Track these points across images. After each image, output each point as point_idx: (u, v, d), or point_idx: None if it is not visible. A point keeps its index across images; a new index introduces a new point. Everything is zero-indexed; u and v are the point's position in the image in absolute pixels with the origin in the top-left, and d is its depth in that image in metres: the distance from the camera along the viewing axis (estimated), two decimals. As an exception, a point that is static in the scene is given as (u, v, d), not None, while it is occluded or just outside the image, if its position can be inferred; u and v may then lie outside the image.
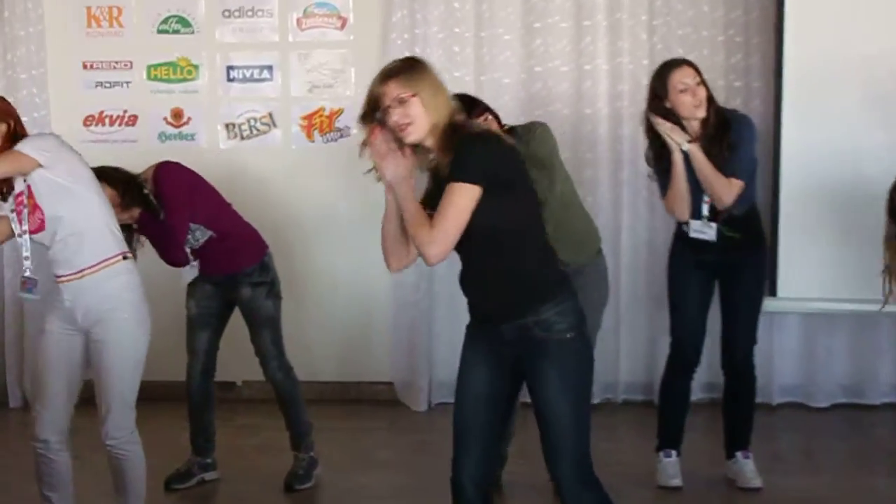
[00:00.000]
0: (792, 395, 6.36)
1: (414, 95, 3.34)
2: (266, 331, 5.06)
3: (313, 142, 6.40)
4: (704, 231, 4.88)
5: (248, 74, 6.26)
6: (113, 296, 4.07)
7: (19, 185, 4.02)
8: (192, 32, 6.40)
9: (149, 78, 6.41)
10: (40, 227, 4.04)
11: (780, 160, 5.74)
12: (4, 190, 4.08)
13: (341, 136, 6.38)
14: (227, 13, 6.39)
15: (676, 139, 4.74)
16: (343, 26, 6.38)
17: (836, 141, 5.68)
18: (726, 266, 4.96)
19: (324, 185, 6.33)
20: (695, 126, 4.81)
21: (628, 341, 6.28)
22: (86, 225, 4.06)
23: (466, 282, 3.52)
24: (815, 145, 5.63)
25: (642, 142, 5.92)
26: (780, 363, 6.29)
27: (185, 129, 6.33)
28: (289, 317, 5.15)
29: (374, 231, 6.14)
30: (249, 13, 6.38)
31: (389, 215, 3.47)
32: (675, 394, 5.09)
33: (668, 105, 4.77)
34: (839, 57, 5.67)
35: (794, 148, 5.59)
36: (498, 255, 3.41)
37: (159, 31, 6.39)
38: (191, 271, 4.98)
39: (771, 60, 5.93)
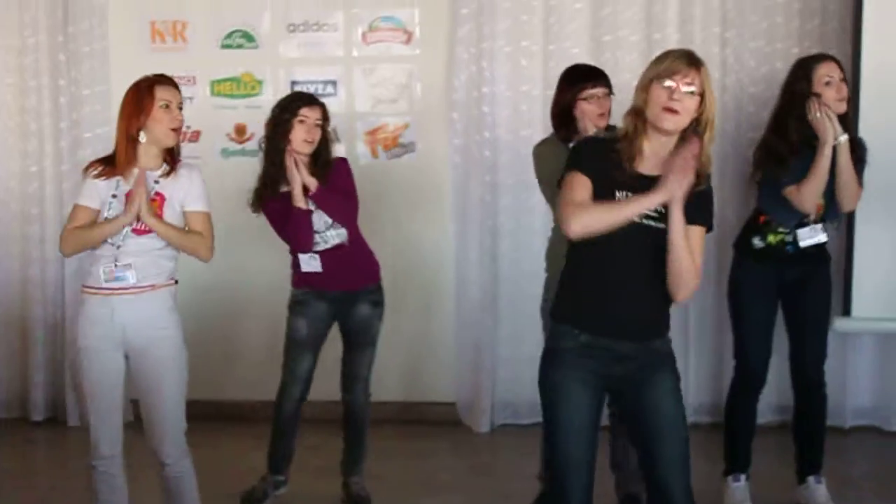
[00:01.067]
0: (866, 419, 6.23)
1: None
2: (369, 351, 5.03)
3: (377, 158, 6.34)
4: (815, 235, 4.84)
5: (311, 89, 6.19)
6: (164, 316, 4.06)
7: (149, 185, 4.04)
8: (256, 47, 6.38)
9: (212, 93, 6.40)
10: (148, 231, 4.04)
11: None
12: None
13: (406, 152, 6.32)
14: (291, 27, 6.36)
15: (837, 128, 4.66)
16: (409, 41, 6.33)
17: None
18: (795, 281, 4.86)
19: (388, 201, 6.26)
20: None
21: (694, 362, 6.16)
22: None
23: (611, 292, 3.48)
24: (893, 160, 5.47)
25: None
26: (853, 385, 6.16)
27: (248, 145, 6.27)
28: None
29: (436, 249, 6.23)
30: (315, 27, 6.36)
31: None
32: (741, 416, 4.99)
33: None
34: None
35: (871, 162, 5.43)
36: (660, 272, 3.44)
37: (223, 46, 6.38)
38: (311, 262, 4.85)
39: (848, 74, 5.78)
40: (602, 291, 3.48)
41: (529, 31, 6.13)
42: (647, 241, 3.44)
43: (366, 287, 4.95)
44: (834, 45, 5.91)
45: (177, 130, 4.10)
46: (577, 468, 3.51)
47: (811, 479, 5.02)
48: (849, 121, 4.90)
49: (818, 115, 4.66)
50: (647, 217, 3.40)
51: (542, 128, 5.97)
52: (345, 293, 4.91)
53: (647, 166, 3.46)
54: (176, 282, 4.15)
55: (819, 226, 4.84)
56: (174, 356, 4.09)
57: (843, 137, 4.67)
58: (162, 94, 4.05)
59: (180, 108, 4.11)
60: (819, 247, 4.88)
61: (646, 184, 3.39)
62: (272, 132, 4.78)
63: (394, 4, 6.33)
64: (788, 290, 4.92)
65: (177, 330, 4.11)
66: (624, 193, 3.42)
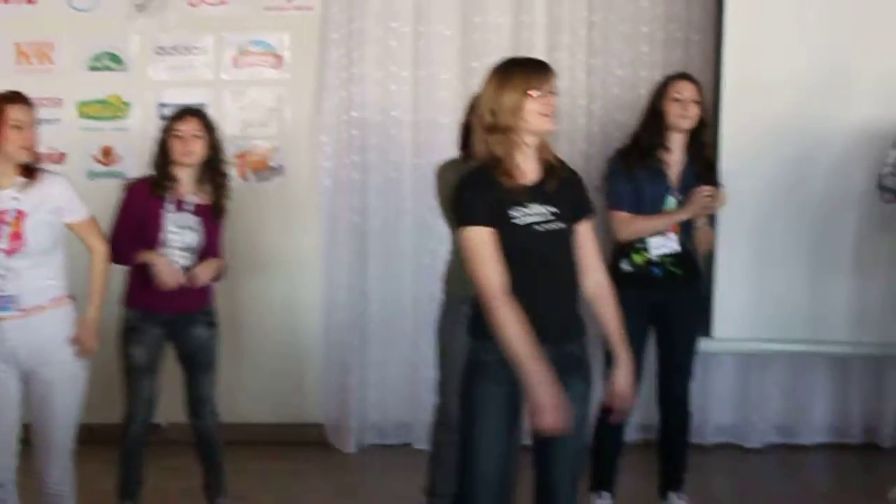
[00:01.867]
0: (726, 436, 6.36)
1: None
2: (211, 374, 4.94)
3: (246, 181, 6.30)
4: (666, 244, 4.94)
5: (179, 112, 6.16)
6: (56, 338, 4.00)
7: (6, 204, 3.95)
8: (125, 69, 6.28)
9: (79, 115, 6.28)
10: (14, 251, 3.96)
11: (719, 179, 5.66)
12: None
13: (275, 175, 6.29)
14: (160, 50, 6.28)
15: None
16: (279, 65, 6.31)
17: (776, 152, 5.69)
18: (666, 304, 4.95)
19: (257, 224, 6.23)
20: (678, 139, 4.93)
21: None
22: (53, 258, 4.04)
23: (530, 299, 3.51)
24: (752, 185, 5.61)
25: (578, 139, 6.11)
26: (714, 403, 6.30)
27: (115, 167, 6.21)
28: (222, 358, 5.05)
29: (305, 271, 6.21)
30: (184, 50, 6.29)
31: None
32: (609, 435, 5.04)
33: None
34: (777, 67, 5.66)
35: (731, 187, 5.57)
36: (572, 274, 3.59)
37: (90, 68, 6.27)
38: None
39: (709, 101, 5.92)
40: (520, 300, 3.51)
41: (399, 57, 6.16)
42: (556, 245, 3.53)
43: (203, 308, 4.89)
44: (697, 75, 6.04)
45: (29, 148, 4.02)
46: (490, 486, 3.55)
47: (673, 495, 5.13)
48: (700, 143, 5.05)
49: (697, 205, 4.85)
50: (548, 221, 3.49)
51: (411, 151, 6.02)
52: (179, 315, 4.82)
53: (528, 176, 3.54)
54: (73, 298, 4.08)
55: (672, 235, 4.94)
56: (65, 379, 4.04)
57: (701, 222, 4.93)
58: (14, 113, 3.98)
59: (35, 127, 4.05)
60: (686, 268, 4.99)
61: (537, 192, 3.50)
62: (157, 153, 4.80)
63: (264, 29, 6.29)
64: (657, 312, 5.01)
65: (70, 353, 4.04)
66: (520, 210, 3.50)
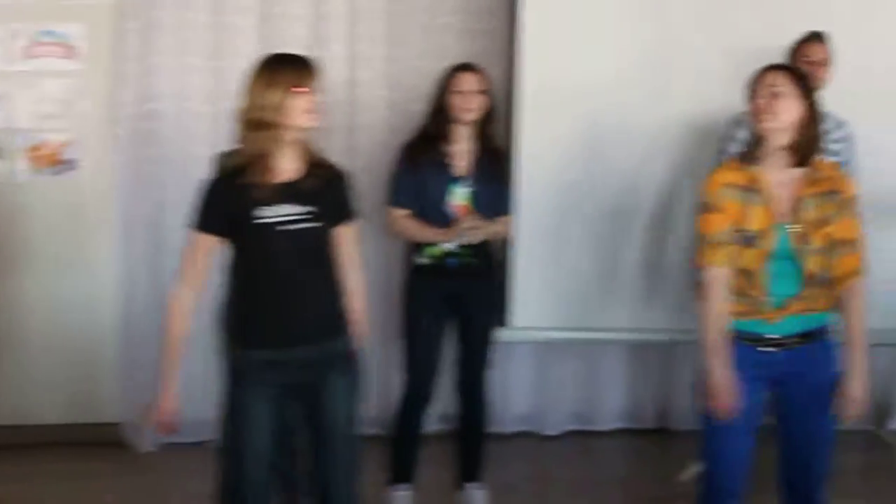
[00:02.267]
0: (524, 424, 6.45)
1: None
2: None
3: (39, 174, 6.11)
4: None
5: (-32, 104, 5.95)
6: None
7: None
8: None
9: None
10: None
11: (518, 170, 5.69)
12: None
13: (69, 169, 6.12)
14: (-55, 40, 6.06)
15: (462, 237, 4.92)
16: (72, 55, 6.14)
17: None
18: (461, 294, 4.99)
19: (51, 219, 6.07)
20: (464, 130, 4.97)
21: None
22: None
23: (282, 302, 3.55)
24: (550, 177, 5.70)
25: (378, 131, 6.09)
26: (513, 392, 6.37)
27: None
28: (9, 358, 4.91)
29: (101, 267, 6.06)
30: (-28, 41, 6.08)
31: None
32: (408, 428, 5.09)
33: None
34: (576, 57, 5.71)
35: (528, 177, 5.63)
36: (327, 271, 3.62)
37: None
38: None
39: (508, 51, 5.95)
40: (273, 303, 3.54)
41: (196, 47, 6.05)
42: (307, 245, 3.53)
43: None
44: (497, 67, 6.05)
45: None
46: (256, 491, 3.58)
47: (471, 484, 5.19)
48: (488, 133, 5.13)
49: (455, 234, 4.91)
50: (297, 220, 3.50)
51: (209, 143, 5.92)
52: None
53: (284, 175, 3.57)
54: None
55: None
56: None
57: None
58: None
59: None
60: (482, 258, 5.04)
61: (290, 191, 3.54)
62: None
63: (57, 19, 6.09)
64: (454, 302, 5.06)
65: None
66: (265, 210, 3.50)
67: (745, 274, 3.71)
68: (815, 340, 3.81)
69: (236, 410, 3.58)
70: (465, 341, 5.14)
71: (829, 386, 3.81)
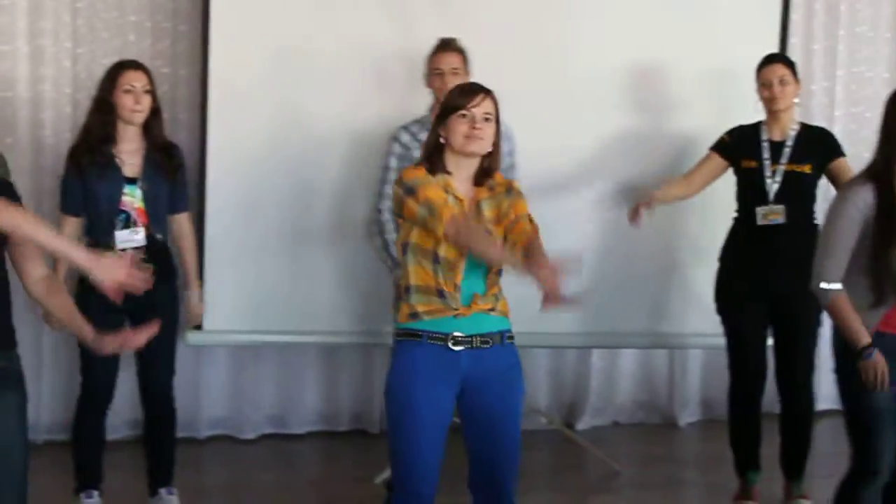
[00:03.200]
0: (220, 428, 6.40)
1: None
2: None
3: None
4: (132, 237, 4.85)
5: None
6: None
7: None
8: None
9: None
10: None
11: (207, 173, 5.69)
12: None
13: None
14: None
15: None
16: None
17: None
18: (138, 298, 4.81)
19: None
20: (132, 130, 4.85)
21: (49, 380, 6.02)
22: None
23: None
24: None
25: (63, 129, 5.91)
26: (207, 396, 6.30)
27: None
28: None
29: None
30: None
31: None
32: (90, 432, 4.96)
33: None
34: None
35: (222, 158, 5.63)
36: None
37: None
38: None
39: (195, 94, 5.93)
40: None
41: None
42: None
43: None
44: (185, 66, 6.07)
45: None
46: None
47: (163, 490, 5.06)
48: (155, 133, 4.99)
49: None
50: None
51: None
52: None
53: None
54: None
55: (140, 228, 4.88)
56: None
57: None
58: None
59: None
60: (158, 261, 4.87)
61: None
62: None
63: None
64: (130, 307, 4.75)
65: None
66: None
67: (439, 267, 3.74)
68: (498, 342, 3.83)
69: None
70: (147, 345, 4.99)
71: (513, 387, 3.87)
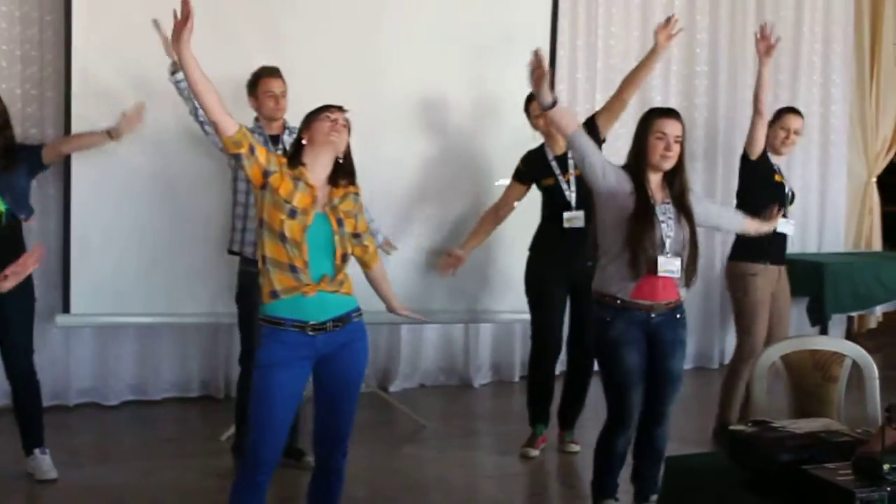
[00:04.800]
0: (88, 397, 6.35)
1: None
2: None
3: None
4: None
5: None
6: None
7: None
8: None
9: None
10: None
11: (72, 166, 5.67)
12: None
13: None
14: None
15: None
16: None
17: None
18: None
19: None
20: None
21: None
22: None
23: None
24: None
25: None
26: (76, 369, 6.25)
27: None
28: None
29: None
30: None
31: None
32: None
33: None
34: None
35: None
36: None
37: None
38: None
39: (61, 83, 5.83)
40: None
41: None
42: None
43: None
44: (51, 53, 5.92)
45: None
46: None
47: (37, 450, 5.09)
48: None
49: None
50: None
51: None
52: None
53: None
54: None
55: None
56: None
57: None
58: None
59: None
60: (9, 248, 4.72)
61: None
62: None
63: None
64: None
65: None
66: None
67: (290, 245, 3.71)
68: (347, 323, 3.81)
69: None
70: (6, 333, 5.00)
71: (359, 357, 3.89)
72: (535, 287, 5.60)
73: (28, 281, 4.88)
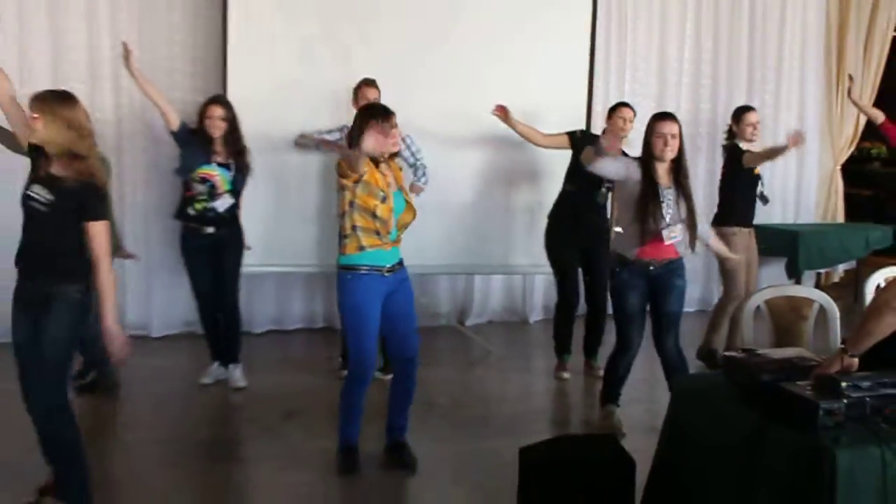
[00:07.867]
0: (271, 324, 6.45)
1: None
2: None
3: None
4: None
5: None
6: None
7: None
8: None
9: None
10: None
11: None
12: None
13: None
14: None
15: None
16: None
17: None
18: None
19: None
20: None
21: None
22: None
23: None
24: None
25: None
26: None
27: None
28: None
29: None
30: None
31: None
32: None
33: None
34: None
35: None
36: None
37: None
38: None
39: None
40: None
41: None
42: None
43: None
44: None
45: None
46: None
47: (231, 365, 5.18)
48: None
49: None
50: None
51: None
52: None
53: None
54: None
55: None
56: None
57: None
58: None
59: None
60: None
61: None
62: None
63: None
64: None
65: None
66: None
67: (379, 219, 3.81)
68: (402, 267, 3.95)
69: None
70: (220, 274, 5.08)
71: (410, 292, 3.97)
72: (553, 248, 5.53)
73: (240, 235, 5.05)
